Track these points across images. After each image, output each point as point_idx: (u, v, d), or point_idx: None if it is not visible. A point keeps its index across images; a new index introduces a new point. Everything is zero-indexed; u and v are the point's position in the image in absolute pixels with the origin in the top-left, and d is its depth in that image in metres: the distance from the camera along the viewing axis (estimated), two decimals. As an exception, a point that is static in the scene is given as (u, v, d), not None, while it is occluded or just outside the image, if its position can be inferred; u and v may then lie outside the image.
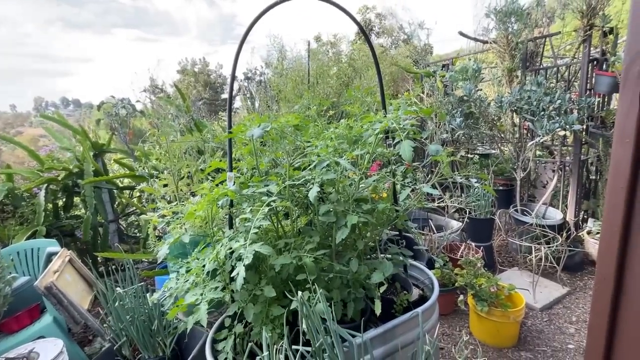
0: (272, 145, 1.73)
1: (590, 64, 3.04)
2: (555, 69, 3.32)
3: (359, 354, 1.19)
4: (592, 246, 3.07)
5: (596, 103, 3.16)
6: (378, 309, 1.36)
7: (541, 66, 3.42)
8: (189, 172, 2.15)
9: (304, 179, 1.24)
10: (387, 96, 1.78)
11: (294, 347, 1.13)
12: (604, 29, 3.00)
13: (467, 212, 3.28)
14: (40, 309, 2.27)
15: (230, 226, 1.49)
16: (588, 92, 3.07)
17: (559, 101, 2.78)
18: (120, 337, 1.89)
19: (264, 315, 1.43)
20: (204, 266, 1.30)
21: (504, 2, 3.30)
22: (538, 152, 3.90)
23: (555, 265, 2.80)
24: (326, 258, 1.38)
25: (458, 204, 3.30)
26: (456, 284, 2.40)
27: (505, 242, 3.73)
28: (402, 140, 1.20)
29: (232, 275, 1.02)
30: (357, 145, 1.41)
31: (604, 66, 3.07)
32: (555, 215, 3.40)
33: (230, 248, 1.23)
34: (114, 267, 3.86)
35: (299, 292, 1.09)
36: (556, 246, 2.80)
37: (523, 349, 2.20)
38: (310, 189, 1.15)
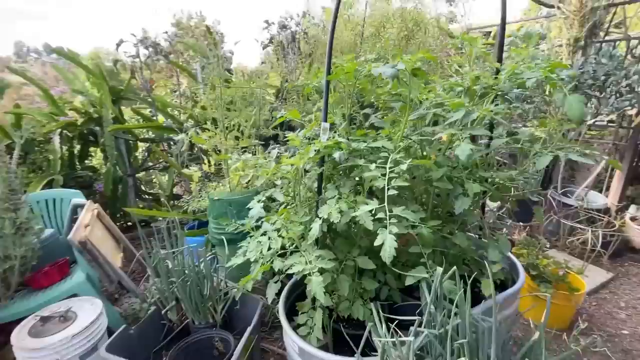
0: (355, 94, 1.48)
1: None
2: (625, 42, 3.05)
3: (483, 343, 1.05)
4: (637, 233, 2.99)
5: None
6: (490, 289, 1.21)
7: (611, 38, 3.13)
8: (239, 124, 1.88)
9: (440, 130, 1.02)
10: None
11: (419, 329, 0.98)
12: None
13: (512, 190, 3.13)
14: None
15: (319, 188, 1.27)
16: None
17: (635, 76, 2.55)
18: (168, 300, 1.73)
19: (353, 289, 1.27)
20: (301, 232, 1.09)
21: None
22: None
23: (601, 250, 2.71)
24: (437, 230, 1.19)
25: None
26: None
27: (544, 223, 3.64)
28: (565, 95, 0.98)
29: (377, 244, 0.82)
30: (484, 99, 1.18)
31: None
32: (597, 199, 3.29)
33: (340, 210, 1.02)
34: (129, 224, 3.66)
35: (438, 268, 0.91)
36: (605, 231, 2.70)
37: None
38: (459, 146, 0.93)
